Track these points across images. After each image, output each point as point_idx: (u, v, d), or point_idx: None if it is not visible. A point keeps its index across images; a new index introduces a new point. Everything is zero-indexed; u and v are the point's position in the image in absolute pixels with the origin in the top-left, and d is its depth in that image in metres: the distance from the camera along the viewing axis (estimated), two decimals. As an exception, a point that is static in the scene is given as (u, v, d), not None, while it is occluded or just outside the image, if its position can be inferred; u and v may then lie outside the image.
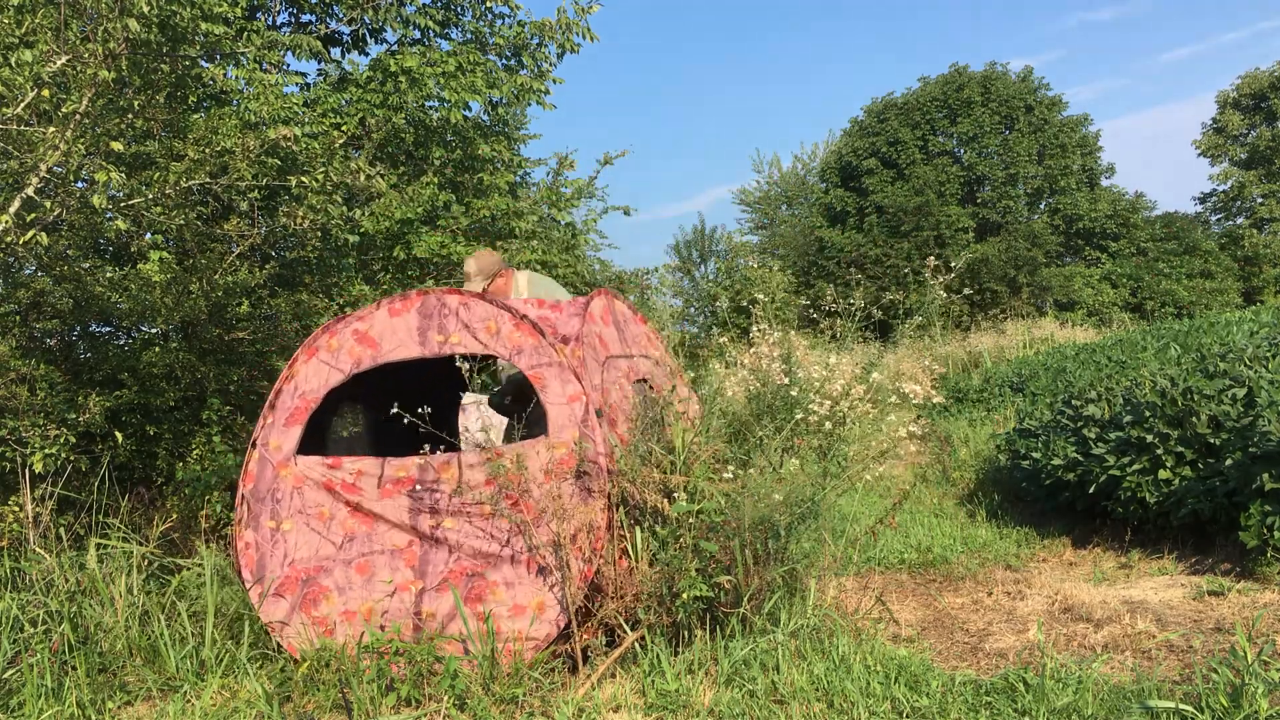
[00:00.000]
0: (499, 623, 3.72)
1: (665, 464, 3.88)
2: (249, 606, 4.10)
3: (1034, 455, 6.31)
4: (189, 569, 4.48)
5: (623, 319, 4.57)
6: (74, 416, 5.20)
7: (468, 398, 5.25)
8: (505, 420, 4.50)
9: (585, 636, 3.73)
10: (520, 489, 3.77)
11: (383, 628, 3.84)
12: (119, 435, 5.71)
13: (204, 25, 5.93)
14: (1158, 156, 73.28)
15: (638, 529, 3.79)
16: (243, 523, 4.13)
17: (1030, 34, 71.38)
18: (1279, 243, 30.68)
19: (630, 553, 3.77)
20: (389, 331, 4.18)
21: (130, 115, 5.26)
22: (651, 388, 4.38)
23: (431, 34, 8.45)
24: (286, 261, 7.20)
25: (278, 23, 8.32)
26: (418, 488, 3.93)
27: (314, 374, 4.23)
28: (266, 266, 6.67)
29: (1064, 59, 72.51)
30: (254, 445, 4.23)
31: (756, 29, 77.91)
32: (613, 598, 3.71)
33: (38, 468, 4.89)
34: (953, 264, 5.44)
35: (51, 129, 4.55)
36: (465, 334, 4.06)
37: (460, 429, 5.11)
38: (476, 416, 5.14)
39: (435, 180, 7.92)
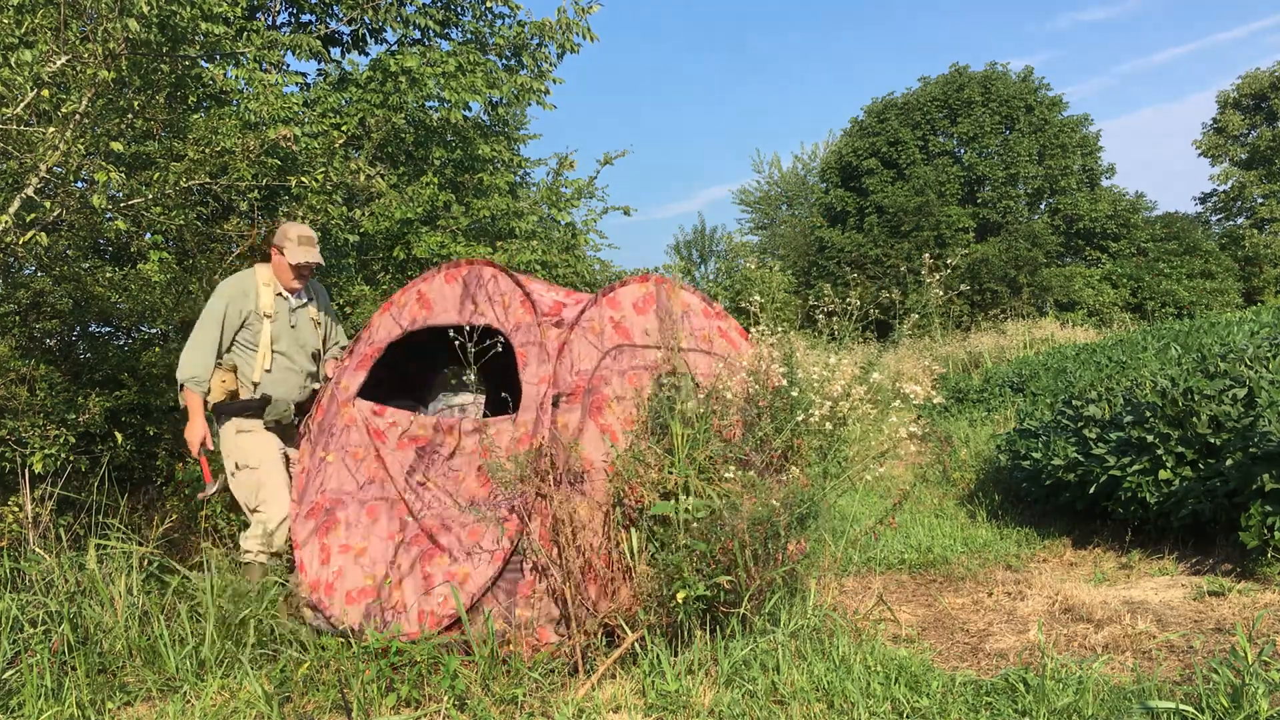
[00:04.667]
0: (432, 582, 3.82)
1: (665, 464, 3.87)
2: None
3: (1034, 455, 6.31)
4: (185, 574, 4.47)
5: (682, 311, 4.40)
6: (74, 417, 5.20)
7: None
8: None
9: (535, 637, 3.69)
10: (487, 461, 3.81)
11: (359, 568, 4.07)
12: (119, 436, 5.70)
13: (204, 25, 5.92)
14: (1152, 157, 73.43)
15: (633, 529, 3.78)
16: (305, 451, 4.50)
17: (1023, 34, 71.55)
18: (1279, 243, 30.67)
19: (629, 553, 3.76)
20: (440, 296, 4.41)
21: (130, 115, 5.25)
22: (697, 384, 4.22)
23: (431, 34, 8.45)
24: (286, 262, 7.18)
25: (278, 23, 8.32)
26: (426, 446, 4.08)
27: (383, 326, 4.58)
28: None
29: (1057, 59, 72.70)
30: (328, 381, 4.63)
31: (757, 29, 77.95)
32: (607, 598, 3.69)
33: (37, 468, 4.89)
34: (949, 260, 5.42)
35: (51, 129, 4.55)
36: (490, 306, 4.19)
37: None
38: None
39: (435, 180, 7.92)
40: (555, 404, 3.76)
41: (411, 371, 5.28)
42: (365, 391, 4.51)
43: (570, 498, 3.68)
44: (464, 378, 4.53)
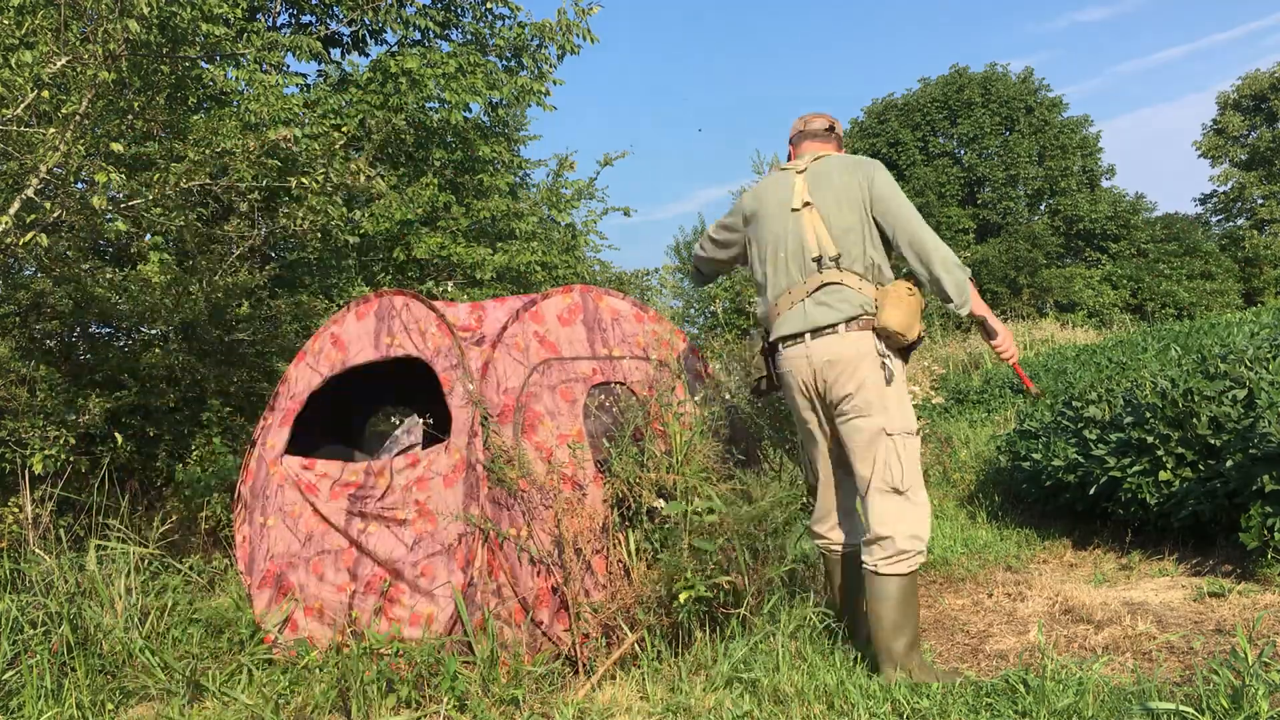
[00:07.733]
0: (403, 629, 3.66)
1: (664, 464, 3.87)
2: (245, 601, 4.14)
3: (1034, 456, 6.31)
4: (186, 571, 4.48)
5: (609, 318, 4.31)
6: (74, 418, 5.21)
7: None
8: None
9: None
10: (423, 494, 3.74)
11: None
12: (119, 436, 5.70)
13: (204, 26, 5.93)
14: (1151, 157, 73.62)
15: (631, 531, 3.78)
16: (241, 518, 4.31)
17: (1023, 35, 71.73)
18: (1279, 244, 30.68)
19: (628, 555, 3.76)
20: (355, 336, 4.22)
21: (130, 116, 5.25)
22: (633, 391, 4.17)
23: (432, 35, 8.46)
24: (287, 263, 7.21)
25: (278, 24, 8.32)
26: (358, 492, 3.93)
27: (301, 378, 4.35)
28: (266, 268, 6.67)
29: (1057, 59, 72.90)
30: (253, 444, 4.39)
31: (756, 29, 78.07)
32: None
33: (37, 469, 4.89)
34: None
35: (51, 130, 4.55)
36: (405, 336, 4.04)
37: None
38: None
39: (435, 181, 7.92)
40: (485, 424, 3.65)
41: (350, 411, 5.10)
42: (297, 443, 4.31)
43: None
44: (397, 417, 4.48)
